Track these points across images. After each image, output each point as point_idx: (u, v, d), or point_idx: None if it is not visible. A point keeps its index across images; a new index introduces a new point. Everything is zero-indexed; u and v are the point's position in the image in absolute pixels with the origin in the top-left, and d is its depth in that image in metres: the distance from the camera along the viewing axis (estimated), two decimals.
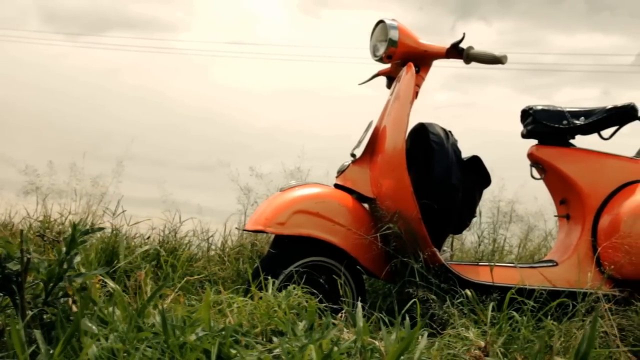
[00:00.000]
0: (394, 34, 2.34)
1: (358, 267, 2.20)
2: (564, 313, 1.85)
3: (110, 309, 1.38)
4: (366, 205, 2.35)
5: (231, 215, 3.43)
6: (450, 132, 2.43)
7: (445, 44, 2.38)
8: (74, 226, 1.32)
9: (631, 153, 2.61)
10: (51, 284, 1.32)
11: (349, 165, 2.36)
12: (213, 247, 3.01)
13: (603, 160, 2.45)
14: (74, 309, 1.32)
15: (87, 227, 2.02)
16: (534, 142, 2.55)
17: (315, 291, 1.90)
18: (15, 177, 3.66)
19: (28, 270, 1.27)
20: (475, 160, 2.43)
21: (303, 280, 2.01)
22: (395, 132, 2.26)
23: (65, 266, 1.33)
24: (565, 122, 2.46)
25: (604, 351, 1.62)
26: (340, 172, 2.38)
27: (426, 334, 1.40)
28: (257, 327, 1.48)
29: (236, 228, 3.17)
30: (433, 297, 1.98)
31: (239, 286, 2.19)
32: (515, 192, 3.80)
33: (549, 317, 1.77)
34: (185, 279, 2.04)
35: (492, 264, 2.25)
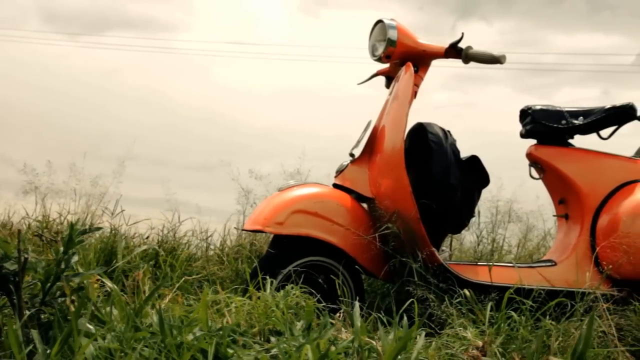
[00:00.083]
0: (392, 34, 2.34)
1: (357, 266, 2.20)
2: (562, 313, 1.85)
3: (108, 308, 1.38)
4: (365, 205, 2.35)
5: (231, 216, 3.44)
6: (449, 131, 2.43)
7: (445, 43, 2.38)
8: (71, 226, 1.32)
9: (630, 153, 2.61)
10: (49, 284, 1.32)
11: (347, 165, 2.36)
12: (212, 247, 3.01)
13: (602, 160, 2.45)
14: (72, 308, 1.32)
15: (85, 227, 2.02)
16: (533, 142, 2.55)
17: (313, 291, 1.89)
18: (14, 177, 3.67)
19: (25, 270, 1.28)
20: (474, 160, 2.43)
21: (301, 280, 2.01)
22: (394, 131, 2.26)
23: (62, 266, 1.33)
24: (564, 121, 2.45)
25: (602, 351, 1.62)
26: (339, 172, 2.38)
27: (423, 333, 1.40)
28: (255, 327, 1.48)
29: (235, 228, 3.18)
30: (431, 296, 1.98)
31: (237, 286, 2.19)
32: (515, 191, 3.81)
33: (548, 317, 1.76)
34: (183, 278, 2.04)
35: (491, 263, 2.25)
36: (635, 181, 2.37)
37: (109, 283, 1.52)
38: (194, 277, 2.28)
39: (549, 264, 2.39)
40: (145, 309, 1.46)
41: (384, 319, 1.69)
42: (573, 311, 1.84)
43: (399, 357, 1.24)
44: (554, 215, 2.69)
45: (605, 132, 2.53)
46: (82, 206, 3.35)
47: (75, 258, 1.35)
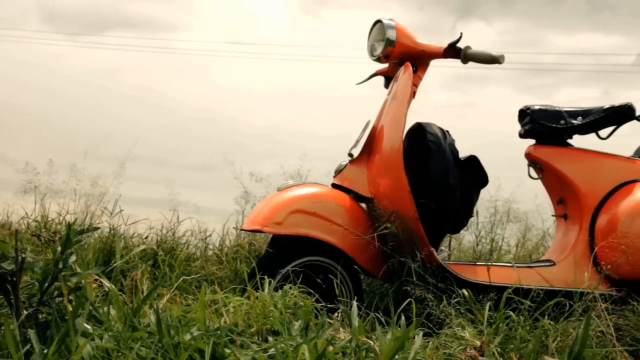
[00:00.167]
0: (391, 34, 2.34)
1: (355, 266, 2.20)
2: (561, 313, 1.85)
3: (105, 308, 1.38)
4: (364, 205, 2.34)
5: (230, 216, 3.44)
6: (447, 131, 2.43)
7: (444, 43, 2.38)
8: (69, 226, 1.32)
9: (629, 153, 2.61)
10: (46, 284, 1.32)
11: (346, 165, 2.37)
12: (211, 247, 3.01)
13: (600, 160, 2.45)
14: (69, 308, 1.32)
15: (84, 227, 2.02)
16: (532, 141, 2.55)
17: (311, 291, 1.90)
18: (13, 177, 3.67)
19: (23, 269, 1.28)
20: (473, 160, 2.43)
21: (300, 280, 2.01)
22: (393, 131, 2.26)
23: (60, 266, 1.33)
24: (562, 121, 2.45)
25: (600, 350, 1.62)
26: (338, 172, 2.39)
27: (421, 333, 1.40)
28: (253, 327, 1.48)
29: (234, 228, 3.18)
30: (430, 296, 1.98)
31: (236, 286, 2.19)
32: (515, 191, 3.81)
33: (546, 317, 1.77)
34: (181, 278, 2.04)
35: (489, 263, 2.25)
36: (634, 181, 2.37)
37: (106, 283, 1.52)
38: (192, 277, 2.28)
39: (548, 263, 2.39)
40: (143, 309, 1.46)
41: (382, 319, 1.69)
42: (571, 311, 1.84)
43: (397, 356, 1.24)
44: (552, 215, 2.69)
45: (604, 132, 2.53)
46: (82, 206, 3.36)
47: (73, 258, 1.35)
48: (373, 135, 2.36)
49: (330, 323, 1.53)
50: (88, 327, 1.26)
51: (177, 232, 2.96)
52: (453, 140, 2.42)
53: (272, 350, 1.29)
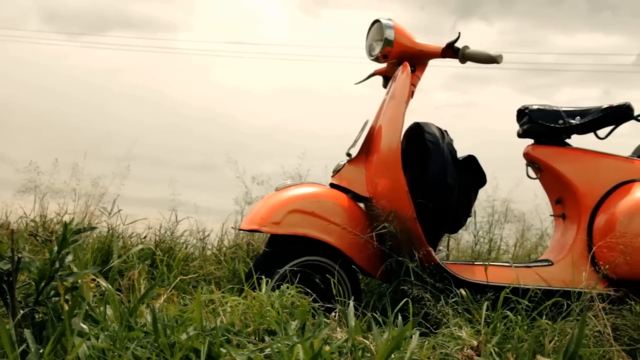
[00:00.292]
0: (389, 34, 2.33)
1: (353, 266, 2.20)
2: (558, 312, 1.85)
3: (102, 308, 1.38)
4: (362, 205, 2.35)
5: (229, 215, 3.44)
6: (445, 131, 2.43)
7: (443, 43, 2.38)
8: (65, 225, 1.32)
9: (628, 153, 2.61)
10: (42, 284, 1.32)
11: (344, 165, 2.37)
12: (209, 246, 3.01)
13: (599, 159, 2.44)
14: (66, 308, 1.32)
15: (81, 226, 2.02)
16: (530, 141, 2.55)
17: (309, 291, 1.90)
18: (13, 177, 3.67)
19: (19, 269, 1.28)
20: (471, 160, 2.43)
21: (297, 280, 2.01)
22: (391, 131, 2.26)
23: (57, 265, 1.33)
24: (561, 121, 2.45)
25: (597, 350, 1.62)
26: (336, 172, 2.39)
27: (417, 333, 1.40)
28: (250, 327, 1.48)
29: (232, 227, 3.18)
30: (427, 296, 1.98)
31: (234, 285, 2.19)
32: (515, 191, 3.81)
33: (544, 317, 1.76)
34: (178, 278, 2.04)
35: (487, 263, 2.25)
36: (632, 181, 2.36)
37: (103, 282, 1.52)
38: (189, 276, 2.28)
39: (546, 263, 2.39)
40: (140, 309, 1.46)
41: (380, 319, 1.69)
42: (569, 311, 1.84)
43: (393, 356, 1.24)
44: (551, 215, 2.69)
45: (602, 132, 2.53)
46: (81, 206, 3.36)
47: (70, 258, 1.35)
48: (371, 135, 2.36)
49: (327, 323, 1.53)
50: (84, 326, 1.26)
51: (176, 232, 2.96)
52: (451, 140, 2.42)
53: (268, 350, 1.29)
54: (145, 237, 2.86)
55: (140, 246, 2.49)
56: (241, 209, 3.60)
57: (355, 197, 2.32)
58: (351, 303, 1.52)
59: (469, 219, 2.58)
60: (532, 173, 2.59)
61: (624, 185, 2.36)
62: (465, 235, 3.62)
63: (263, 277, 1.91)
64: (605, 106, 2.48)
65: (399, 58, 2.37)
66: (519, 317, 1.74)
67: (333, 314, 1.70)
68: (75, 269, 1.45)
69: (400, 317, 1.58)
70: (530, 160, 2.55)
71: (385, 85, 2.56)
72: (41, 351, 1.16)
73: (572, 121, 2.46)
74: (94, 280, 1.55)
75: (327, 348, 1.27)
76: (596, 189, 2.39)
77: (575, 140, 2.54)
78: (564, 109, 2.49)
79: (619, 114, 2.47)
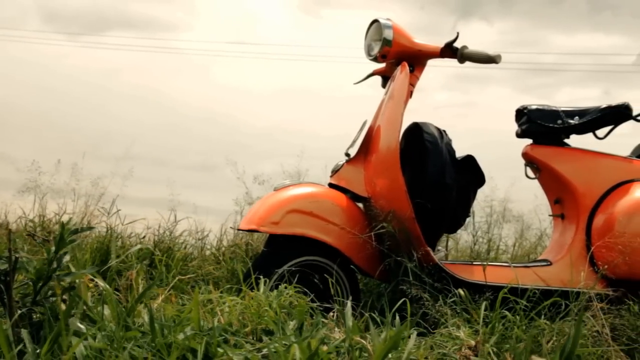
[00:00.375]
0: (388, 34, 2.34)
1: (352, 266, 2.20)
2: (557, 312, 1.85)
3: (99, 308, 1.38)
4: (360, 205, 2.34)
5: (229, 215, 3.45)
6: (444, 131, 2.43)
7: (442, 43, 2.38)
8: (62, 225, 1.32)
9: (628, 152, 2.61)
10: (40, 284, 1.32)
11: (343, 165, 2.36)
12: (208, 246, 3.01)
13: (597, 159, 2.44)
14: (63, 308, 1.32)
15: (82, 226, 2.02)
16: (529, 141, 2.55)
17: (307, 291, 1.89)
18: (13, 177, 3.66)
19: (17, 269, 1.28)
20: (470, 160, 2.43)
21: (295, 280, 2.01)
22: (389, 131, 2.26)
23: (54, 265, 1.33)
24: (559, 121, 2.45)
25: (595, 350, 1.62)
26: (335, 172, 2.39)
27: (415, 333, 1.39)
28: (248, 327, 1.48)
29: (231, 227, 3.18)
30: (426, 296, 1.98)
31: (232, 285, 2.19)
32: (515, 191, 3.81)
33: (543, 317, 1.76)
34: (176, 278, 2.04)
35: (485, 263, 2.25)
36: (630, 181, 2.36)
37: (101, 282, 1.52)
38: (188, 276, 2.28)
39: (545, 263, 2.38)
40: (138, 309, 1.46)
41: (378, 319, 1.69)
42: (568, 311, 1.84)
43: (390, 356, 1.24)
44: (549, 215, 2.69)
45: (601, 132, 2.53)
46: (81, 206, 3.36)
47: (67, 257, 1.35)
48: (370, 135, 2.36)
49: (324, 323, 1.54)
50: (81, 326, 1.26)
51: (175, 232, 2.96)
52: (450, 140, 2.42)
53: (265, 350, 1.29)
54: (144, 237, 2.86)
55: (139, 246, 2.49)
56: (241, 209, 3.61)
57: (354, 197, 2.32)
58: (349, 303, 1.52)
59: (467, 219, 2.58)
60: (530, 173, 2.58)
61: (622, 185, 2.36)
62: (464, 235, 3.63)
63: (261, 277, 1.92)
64: (604, 106, 2.48)
65: (397, 58, 2.37)
66: (518, 317, 1.73)
67: (331, 313, 1.70)
68: (73, 269, 1.46)
69: (398, 317, 1.58)
70: (529, 160, 2.55)
71: (384, 85, 2.56)
72: (38, 351, 1.16)
73: (571, 121, 2.46)
74: (92, 280, 1.56)
75: (324, 348, 1.27)
76: (595, 189, 2.39)
77: (574, 140, 2.54)
78: (562, 109, 2.49)
79: (617, 114, 2.47)
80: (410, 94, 2.34)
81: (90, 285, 1.54)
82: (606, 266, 2.13)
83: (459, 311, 1.88)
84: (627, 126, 2.55)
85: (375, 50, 2.38)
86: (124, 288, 1.71)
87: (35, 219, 3.17)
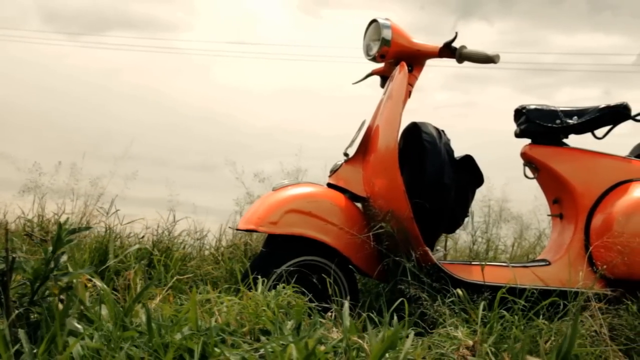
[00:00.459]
0: (387, 33, 2.34)
1: (350, 266, 2.20)
2: (555, 312, 1.85)
3: (97, 308, 1.38)
4: (359, 205, 2.35)
5: (229, 215, 3.45)
6: (443, 131, 2.43)
7: (440, 43, 2.38)
8: (59, 225, 1.32)
9: (626, 152, 2.61)
10: (37, 283, 1.32)
11: (341, 165, 2.36)
12: (207, 246, 3.01)
13: (596, 159, 2.44)
14: (61, 307, 1.32)
15: (81, 226, 2.02)
16: (528, 141, 2.55)
17: (305, 291, 1.90)
18: (13, 177, 3.66)
19: (14, 269, 1.28)
20: (468, 160, 2.43)
21: (294, 280, 2.01)
22: (388, 131, 2.26)
23: (51, 265, 1.33)
24: (558, 121, 2.45)
25: (593, 350, 1.62)
26: (333, 172, 2.39)
27: (412, 332, 1.39)
28: (245, 327, 1.48)
29: (229, 227, 3.18)
30: (424, 296, 1.98)
31: (230, 285, 2.19)
32: (515, 191, 3.81)
33: (541, 317, 1.76)
34: (174, 278, 2.04)
35: (484, 263, 2.25)
36: (629, 181, 2.36)
37: (98, 282, 1.52)
38: (186, 276, 2.28)
39: (543, 263, 2.38)
40: (136, 309, 1.46)
41: (376, 319, 1.68)
42: (566, 311, 1.84)
43: (387, 355, 1.24)
44: (548, 215, 2.69)
45: (599, 132, 2.53)
46: (80, 206, 3.36)
47: (65, 257, 1.35)
48: (368, 134, 2.36)
49: (322, 323, 1.53)
50: (79, 326, 1.26)
51: (174, 232, 2.96)
52: (448, 140, 2.42)
53: (263, 350, 1.29)
54: (143, 237, 2.86)
55: (137, 246, 2.49)
56: (240, 209, 3.61)
57: (353, 197, 2.32)
58: (346, 303, 1.52)
59: (466, 219, 2.58)
60: (529, 173, 2.58)
61: (621, 185, 2.36)
62: (463, 236, 3.63)
63: (260, 277, 1.92)
64: (603, 106, 2.48)
65: (396, 58, 2.37)
66: (516, 317, 1.73)
67: (329, 313, 1.70)
68: (71, 269, 1.45)
69: (396, 317, 1.58)
70: (528, 160, 2.55)
71: (382, 85, 2.56)
72: (35, 351, 1.16)
73: (570, 121, 2.45)
74: (90, 280, 1.55)
75: (321, 348, 1.27)
76: (593, 189, 2.38)
77: (573, 140, 2.54)
78: (561, 108, 2.49)
79: (616, 114, 2.47)
80: (408, 93, 2.35)
81: (89, 285, 1.54)
82: (605, 266, 2.13)
83: (457, 311, 1.88)
84: (625, 126, 2.56)
85: (374, 50, 2.39)
86: (122, 288, 1.71)
87: (34, 219, 3.16)
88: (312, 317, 1.58)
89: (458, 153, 2.44)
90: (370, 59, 2.45)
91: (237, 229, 2.35)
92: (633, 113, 2.48)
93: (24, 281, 1.37)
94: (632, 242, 2.14)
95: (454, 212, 2.40)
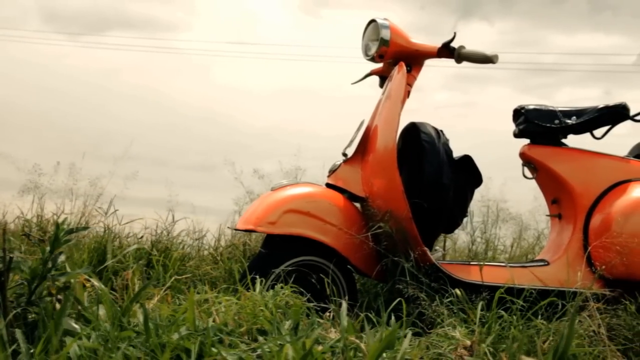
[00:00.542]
0: (385, 34, 2.34)
1: (349, 266, 2.20)
2: (554, 312, 1.85)
3: (94, 308, 1.38)
4: (357, 205, 2.34)
5: (228, 216, 3.45)
6: (441, 131, 2.43)
7: (439, 43, 2.38)
8: (57, 225, 1.32)
9: (625, 153, 2.61)
10: (35, 283, 1.32)
11: (340, 165, 2.37)
12: (206, 246, 3.01)
13: (595, 159, 2.44)
14: (58, 307, 1.32)
15: (80, 226, 2.02)
16: (526, 141, 2.54)
17: (303, 291, 1.89)
18: (13, 177, 3.66)
19: (11, 269, 1.28)
20: (467, 160, 2.43)
21: (293, 280, 2.00)
22: (387, 131, 2.26)
23: (49, 265, 1.33)
24: (557, 121, 2.45)
25: (591, 350, 1.62)
26: (332, 172, 2.39)
27: (410, 332, 1.39)
28: (243, 327, 1.48)
29: (228, 227, 3.18)
30: (423, 296, 1.98)
31: (229, 285, 2.19)
32: (515, 191, 3.81)
33: (540, 317, 1.76)
34: (172, 278, 2.04)
35: (482, 263, 2.25)
36: (628, 181, 2.36)
37: (96, 282, 1.52)
38: (184, 276, 2.28)
39: (542, 263, 2.38)
40: (134, 309, 1.46)
41: (374, 319, 1.68)
42: (564, 311, 1.84)
43: (384, 355, 1.24)
44: (547, 215, 2.69)
45: (598, 132, 2.52)
46: (79, 206, 3.36)
47: (62, 257, 1.35)
48: (367, 135, 2.36)
49: (320, 323, 1.53)
50: (76, 326, 1.26)
51: (173, 232, 2.96)
52: (447, 140, 2.42)
53: (260, 350, 1.29)
54: (141, 237, 2.86)
55: (135, 246, 2.48)
56: (239, 209, 3.61)
57: (351, 197, 2.32)
58: (344, 303, 1.52)
59: (465, 219, 2.58)
60: (528, 173, 2.58)
61: (620, 185, 2.36)
62: (462, 236, 3.63)
63: (258, 277, 1.91)
64: (601, 106, 2.48)
65: (395, 58, 2.37)
66: (514, 317, 1.73)
67: (327, 313, 1.70)
68: (69, 269, 1.46)
69: (393, 317, 1.58)
70: (527, 160, 2.55)
71: (381, 85, 2.56)
72: (32, 351, 1.16)
73: (568, 121, 2.45)
74: (89, 280, 1.56)
75: (318, 348, 1.27)
76: (592, 189, 2.38)
77: (572, 140, 2.54)
78: (560, 108, 2.49)
79: (615, 114, 2.47)
80: (407, 93, 2.35)
81: (88, 285, 1.54)
82: (603, 266, 2.12)
83: (455, 311, 1.88)
84: (624, 126, 2.56)
85: (373, 50, 2.39)
86: (120, 288, 1.71)
87: (33, 219, 3.16)
88: (310, 317, 1.58)
89: (458, 153, 2.44)
90: (368, 59, 2.46)
91: (236, 229, 2.35)
92: (632, 113, 2.48)
93: (21, 281, 1.37)
94: (630, 243, 2.14)
95: (453, 212, 2.40)
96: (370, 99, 2.55)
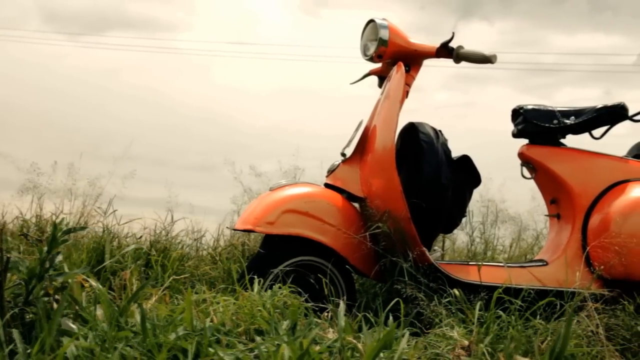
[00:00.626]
0: (384, 34, 2.34)
1: (348, 266, 2.20)
2: (552, 312, 1.85)
3: (92, 308, 1.38)
4: (356, 205, 2.34)
5: (226, 215, 3.45)
6: (440, 131, 2.43)
7: (437, 43, 2.38)
8: (54, 225, 1.32)
9: (624, 153, 2.61)
10: (32, 284, 1.32)
11: (339, 165, 2.37)
12: (205, 246, 3.01)
13: (593, 159, 2.44)
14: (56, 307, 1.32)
15: (77, 226, 2.02)
16: (525, 141, 2.54)
17: (301, 291, 1.89)
18: (13, 177, 3.66)
19: (8, 269, 1.28)
20: (465, 160, 2.43)
21: (291, 280, 2.00)
22: (385, 131, 2.26)
23: (46, 265, 1.33)
24: (555, 121, 2.45)
25: (590, 350, 1.62)
26: (331, 172, 2.39)
27: (407, 332, 1.39)
28: (241, 327, 1.48)
29: (227, 227, 3.18)
30: (421, 296, 1.98)
31: (227, 285, 2.19)
32: (514, 192, 3.81)
33: (539, 317, 1.76)
34: (171, 278, 2.04)
35: (481, 263, 2.25)
36: (626, 181, 2.36)
37: (93, 282, 1.52)
38: (183, 276, 2.28)
39: (540, 263, 2.38)
40: (131, 309, 1.45)
41: (372, 319, 1.68)
42: (563, 311, 1.84)
43: (381, 355, 1.24)
44: (545, 215, 2.69)
45: (597, 132, 2.53)
46: (78, 206, 3.36)
47: (60, 257, 1.35)
48: (366, 135, 2.36)
49: (318, 323, 1.53)
50: (73, 326, 1.26)
51: (172, 232, 2.96)
52: (446, 140, 2.42)
53: (257, 350, 1.29)
54: (140, 237, 2.86)
55: (134, 246, 2.48)
56: (238, 208, 3.61)
57: (350, 197, 2.32)
58: (342, 303, 1.52)
59: (464, 219, 2.58)
60: (526, 173, 2.59)
61: (618, 185, 2.36)
62: (461, 236, 3.63)
63: (255, 277, 1.91)
64: (600, 106, 2.48)
65: (393, 58, 2.37)
66: (512, 317, 1.73)
67: (325, 313, 1.70)
68: (67, 269, 1.45)
69: (391, 317, 1.58)
70: (525, 160, 2.55)
71: (380, 85, 2.56)
72: (29, 351, 1.15)
73: (567, 121, 2.45)
74: (87, 280, 1.55)
75: (316, 348, 1.27)
76: (591, 189, 2.38)
77: (570, 140, 2.54)
78: (558, 109, 2.49)
79: (613, 114, 2.47)
80: (406, 94, 2.35)
81: (86, 285, 1.54)
82: (602, 266, 2.12)
83: (453, 311, 1.88)
84: (623, 126, 2.56)
85: (371, 50, 2.39)
86: (118, 288, 1.71)
87: (31, 219, 3.16)
88: (308, 317, 1.58)
89: (457, 153, 2.44)
90: (367, 59, 2.45)
91: (235, 229, 2.35)
92: (630, 113, 2.48)
93: (18, 281, 1.37)
94: (629, 243, 2.14)
95: (452, 212, 2.40)
96: (369, 99, 2.55)
